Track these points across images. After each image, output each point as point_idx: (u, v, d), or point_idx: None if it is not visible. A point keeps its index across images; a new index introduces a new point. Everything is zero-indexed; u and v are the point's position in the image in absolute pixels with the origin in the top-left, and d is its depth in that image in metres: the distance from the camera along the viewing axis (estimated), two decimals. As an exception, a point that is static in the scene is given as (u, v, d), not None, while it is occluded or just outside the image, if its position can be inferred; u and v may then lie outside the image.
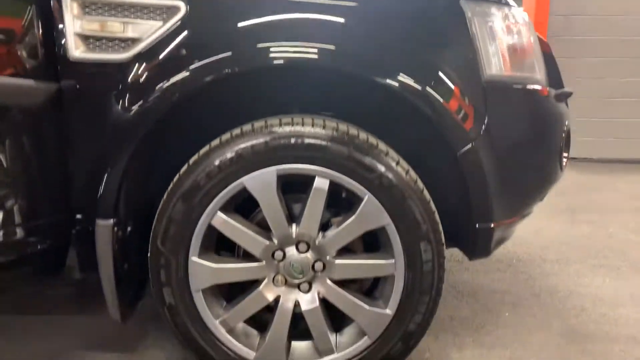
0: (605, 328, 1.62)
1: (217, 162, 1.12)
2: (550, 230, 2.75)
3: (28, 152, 1.10)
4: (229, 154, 1.11)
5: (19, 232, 1.09)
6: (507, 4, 1.22)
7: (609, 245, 2.51)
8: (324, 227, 1.20)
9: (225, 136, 1.14)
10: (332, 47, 1.10)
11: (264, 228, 1.19)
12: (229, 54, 1.09)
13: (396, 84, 1.09)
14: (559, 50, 5.62)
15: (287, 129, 1.12)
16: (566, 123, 1.33)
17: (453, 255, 2.31)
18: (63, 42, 1.08)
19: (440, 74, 1.12)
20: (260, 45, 1.10)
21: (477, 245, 1.22)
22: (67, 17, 1.08)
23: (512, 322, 1.65)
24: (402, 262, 1.14)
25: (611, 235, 2.67)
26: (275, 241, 1.16)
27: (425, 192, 1.14)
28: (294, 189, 1.22)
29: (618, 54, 5.41)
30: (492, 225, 1.19)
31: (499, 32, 1.17)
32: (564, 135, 1.30)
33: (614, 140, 5.57)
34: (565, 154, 1.33)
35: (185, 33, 1.09)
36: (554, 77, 1.49)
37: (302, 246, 1.16)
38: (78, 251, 1.21)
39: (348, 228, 1.14)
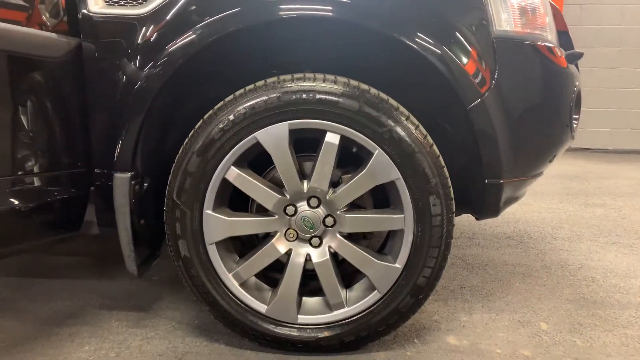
0: (616, 296, 1.62)
1: (231, 117, 1.14)
2: (563, 212, 2.74)
3: (49, 105, 1.14)
4: (243, 109, 1.14)
5: (40, 181, 1.13)
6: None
7: (622, 225, 2.50)
8: (335, 184, 1.22)
9: (239, 92, 1.17)
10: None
11: (277, 184, 1.21)
12: (239, 9, 1.11)
13: (409, 39, 1.11)
14: (574, 39, 5.57)
15: (299, 84, 1.14)
16: (576, 84, 1.33)
17: (463, 232, 2.32)
18: (82, -3, 1.12)
19: (450, 29, 1.13)
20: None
21: (486, 202, 1.23)
22: (87, -27, 1.11)
23: (522, 290, 1.66)
24: (411, 216, 1.16)
25: (624, 217, 2.65)
26: (287, 196, 1.19)
27: (435, 147, 1.16)
28: (306, 149, 1.26)
29: (633, 43, 5.35)
30: (501, 181, 1.20)
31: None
32: (574, 95, 1.30)
33: (630, 131, 5.50)
34: (575, 116, 1.33)
35: (199, -11, 1.12)
36: (564, 40, 1.49)
37: (314, 201, 1.19)
38: (96, 206, 1.25)
39: (358, 182, 1.16)
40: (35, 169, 1.12)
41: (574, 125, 1.34)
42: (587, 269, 1.87)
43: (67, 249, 1.97)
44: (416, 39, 1.11)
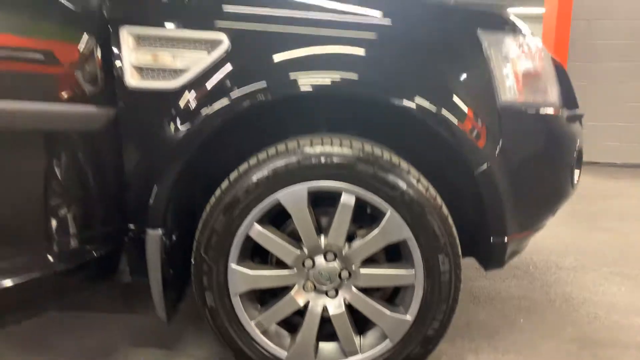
0: (618, 335, 1.69)
1: (254, 179, 1.24)
2: (568, 237, 2.81)
3: (88, 171, 1.24)
4: (266, 172, 1.24)
5: (80, 242, 1.23)
6: (522, 33, 1.31)
7: (626, 253, 2.56)
8: (350, 238, 1.31)
9: (262, 155, 1.26)
10: (354, 75, 1.21)
11: (295, 238, 1.30)
12: (264, 83, 1.21)
13: (419, 110, 1.20)
14: (581, 54, 5.62)
15: (317, 149, 1.24)
16: (578, 142, 1.41)
17: (473, 263, 2.40)
18: (121, 71, 1.22)
19: (459, 101, 1.21)
20: (292, 75, 1.21)
21: (492, 257, 1.32)
22: (124, 49, 1.22)
23: (527, 328, 1.73)
24: (421, 273, 1.25)
25: (630, 244, 2.71)
26: (306, 251, 1.28)
27: (444, 208, 1.24)
28: (323, 201, 1.35)
29: (642, 58, 5.37)
30: (506, 239, 1.28)
31: (513, 60, 1.26)
32: (575, 154, 1.38)
33: (638, 145, 5.53)
34: (577, 171, 1.41)
35: (227, 64, 1.22)
36: (567, 95, 1.57)
37: (330, 256, 1.28)
38: (129, 257, 1.35)
39: (372, 240, 1.25)
40: (75, 231, 1.22)
41: (576, 180, 1.42)
42: (590, 304, 1.94)
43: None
44: (427, 111, 1.20)
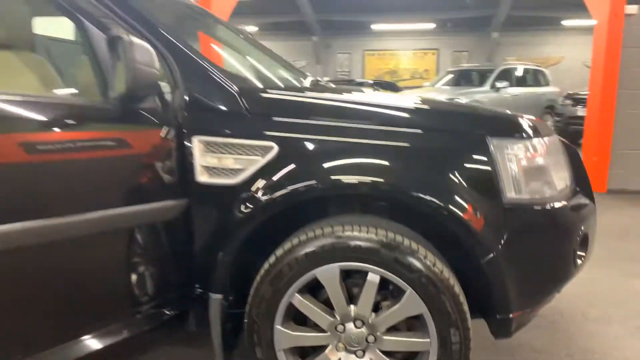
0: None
1: (296, 257, 1.52)
2: (600, 284, 2.89)
3: (166, 249, 1.57)
4: (305, 252, 1.51)
5: (160, 306, 1.56)
6: (528, 137, 1.51)
7: (657, 305, 2.62)
8: (376, 306, 1.56)
9: (303, 236, 1.54)
10: (381, 179, 1.46)
11: (329, 306, 1.57)
12: (313, 182, 1.48)
13: (430, 206, 1.43)
14: (631, 82, 5.51)
15: (347, 234, 1.49)
16: (582, 227, 1.58)
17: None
18: (193, 170, 1.54)
19: (466, 198, 1.43)
20: (332, 176, 1.48)
21: (499, 330, 1.52)
22: (196, 153, 1.53)
23: (541, 383, 1.90)
24: (435, 342, 1.47)
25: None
26: (338, 318, 1.54)
27: (456, 288, 1.46)
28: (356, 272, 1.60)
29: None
30: (511, 315, 1.48)
31: (518, 161, 1.46)
32: (579, 238, 1.55)
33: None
34: (581, 253, 1.58)
35: (277, 165, 1.50)
36: (579, 176, 1.74)
37: (359, 323, 1.53)
38: (195, 313, 1.66)
39: (393, 314, 1.49)
40: (156, 298, 1.55)
41: (579, 262, 1.59)
42: (608, 360, 2.06)
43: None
44: (438, 206, 1.43)
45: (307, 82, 2.24)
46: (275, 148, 1.51)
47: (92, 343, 1.41)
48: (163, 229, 1.56)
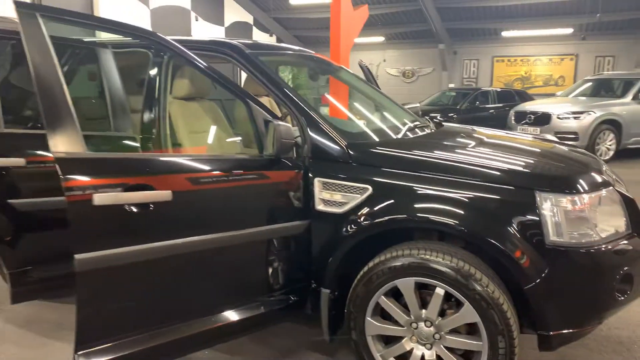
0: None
1: (382, 269, 2.07)
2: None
3: (293, 254, 2.25)
4: (389, 266, 2.06)
5: (287, 293, 2.25)
6: (573, 192, 1.86)
7: None
8: (442, 312, 2.04)
9: (389, 254, 2.09)
10: (452, 219, 1.95)
11: (406, 307, 2.10)
12: (396, 216, 2.03)
13: (486, 243, 1.88)
14: None
15: (422, 255, 2.01)
16: (624, 268, 1.87)
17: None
18: (313, 200, 2.19)
19: (515, 238, 1.85)
20: (418, 213, 2.01)
21: (541, 343, 1.90)
22: (316, 189, 2.18)
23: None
24: (486, 345, 1.91)
25: None
26: (412, 317, 2.07)
27: (504, 305, 1.89)
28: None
29: None
30: (551, 333, 1.86)
31: (561, 212, 1.83)
32: (619, 277, 1.85)
33: None
34: (623, 290, 1.87)
35: (371, 201, 2.08)
36: (634, 220, 2.01)
37: (428, 323, 2.04)
38: (310, 300, 2.32)
39: (454, 319, 1.97)
40: (285, 287, 2.25)
41: (621, 298, 1.88)
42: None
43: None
44: (499, 246, 1.87)
45: (411, 128, 2.75)
46: (370, 189, 2.09)
47: (245, 312, 2.15)
48: (293, 241, 2.25)
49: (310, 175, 2.21)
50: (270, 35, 16.66)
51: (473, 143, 2.51)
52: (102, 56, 2.82)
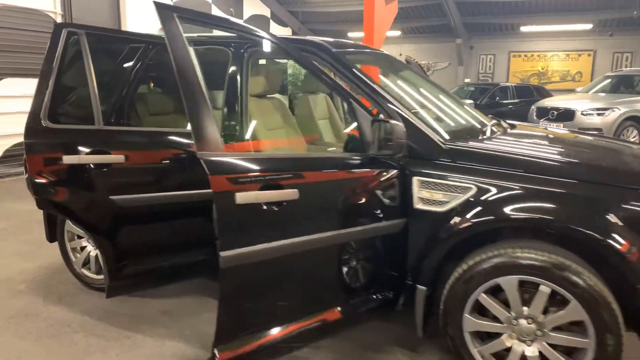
0: None
1: (485, 268, 2.11)
2: None
3: (390, 252, 2.29)
4: (493, 264, 2.10)
5: (383, 290, 2.29)
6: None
7: None
8: (545, 310, 2.08)
9: (490, 253, 2.12)
10: (550, 217, 1.98)
11: (505, 304, 2.13)
12: (491, 217, 2.07)
13: (594, 240, 1.91)
14: None
15: (526, 254, 2.04)
16: None
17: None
18: (411, 199, 2.22)
19: (626, 236, 1.89)
20: (526, 212, 2.04)
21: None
22: (414, 188, 2.22)
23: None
24: (593, 343, 1.95)
25: None
26: (513, 314, 2.11)
27: (613, 305, 1.92)
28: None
29: None
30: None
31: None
32: None
33: None
34: None
35: (475, 200, 2.11)
36: None
37: (530, 320, 2.08)
38: (404, 297, 2.36)
39: (559, 317, 2.01)
40: (383, 285, 2.29)
41: None
42: None
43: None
44: (603, 239, 1.90)
45: (491, 128, 2.79)
46: (474, 188, 2.12)
47: (348, 307, 2.19)
48: (390, 238, 2.28)
49: (407, 173, 2.24)
50: (295, 30, 16.62)
51: (559, 142, 2.54)
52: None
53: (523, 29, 15.08)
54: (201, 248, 2.76)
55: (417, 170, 2.23)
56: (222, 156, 1.67)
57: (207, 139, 1.63)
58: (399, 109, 2.29)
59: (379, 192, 2.23)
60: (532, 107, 10.07)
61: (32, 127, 2.40)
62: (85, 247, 3.12)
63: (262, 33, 2.04)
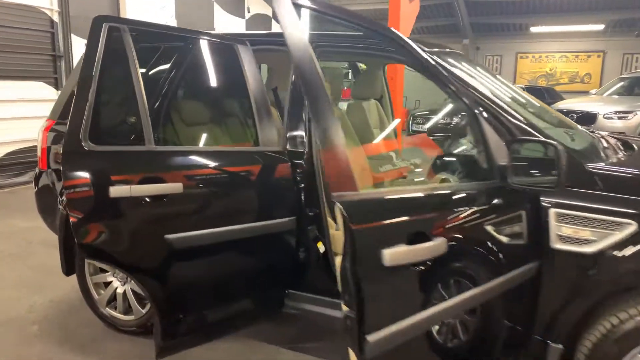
0: None
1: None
2: None
3: (519, 301, 1.85)
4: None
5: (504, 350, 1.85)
6: None
7: None
8: None
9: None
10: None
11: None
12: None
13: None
14: None
15: None
16: None
17: None
18: (547, 236, 1.78)
19: None
20: None
21: None
22: (551, 222, 1.78)
23: None
24: None
25: None
26: (681, 381, 1.68)
27: None
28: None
29: None
30: None
31: None
32: None
33: None
34: None
35: (633, 242, 1.68)
36: None
37: None
38: (524, 355, 1.92)
39: None
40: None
41: None
42: None
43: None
44: None
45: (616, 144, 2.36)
46: (634, 226, 1.68)
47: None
48: (518, 288, 1.83)
49: (541, 205, 1.80)
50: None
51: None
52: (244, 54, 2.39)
53: (533, 29, 14.80)
54: (273, 288, 2.27)
55: (555, 200, 1.79)
56: (359, 196, 1.22)
57: (340, 180, 1.18)
58: (536, 126, 1.85)
59: (509, 229, 1.79)
60: (548, 109, 9.73)
61: (72, 150, 1.85)
62: (111, 282, 2.63)
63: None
